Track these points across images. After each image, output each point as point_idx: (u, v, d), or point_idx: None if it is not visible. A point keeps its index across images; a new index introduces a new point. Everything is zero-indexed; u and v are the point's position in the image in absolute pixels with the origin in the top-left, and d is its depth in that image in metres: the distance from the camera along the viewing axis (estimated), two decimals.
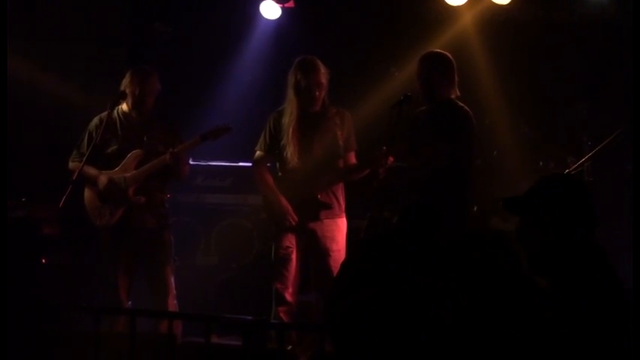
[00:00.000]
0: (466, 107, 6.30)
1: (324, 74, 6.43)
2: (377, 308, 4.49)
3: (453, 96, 6.26)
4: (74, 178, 6.31)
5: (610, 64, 8.80)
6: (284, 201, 6.46)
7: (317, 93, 6.41)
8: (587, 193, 3.39)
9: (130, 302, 6.59)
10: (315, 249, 6.51)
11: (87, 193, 6.60)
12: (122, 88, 6.55)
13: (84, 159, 6.40)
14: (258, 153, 6.64)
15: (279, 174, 6.61)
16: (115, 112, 6.60)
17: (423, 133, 6.24)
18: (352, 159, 6.58)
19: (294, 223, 6.44)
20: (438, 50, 6.37)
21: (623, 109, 8.27)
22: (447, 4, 8.22)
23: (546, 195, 3.35)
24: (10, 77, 8.56)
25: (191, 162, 6.98)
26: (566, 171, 7.05)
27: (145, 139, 6.56)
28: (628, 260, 8.30)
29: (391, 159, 6.14)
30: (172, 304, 6.59)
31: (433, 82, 6.21)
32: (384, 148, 6.09)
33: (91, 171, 6.52)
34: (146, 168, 6.50)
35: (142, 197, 6.51)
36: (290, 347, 6.15)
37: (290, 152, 6.45)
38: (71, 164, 6.63)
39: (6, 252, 4.83)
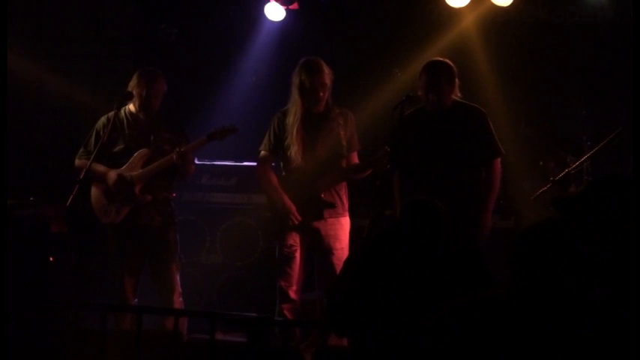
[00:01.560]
0: (477, 105, 6.37)
1: (327, 75, 6.42)
2: (379, 305, 4.48)
3: (455, 98, 6.25)
4: (81, 176, 6.31)
5: (610, 65, 8.78)
6: (288, 200, 6.45)
7: (321, 93, 6.40)
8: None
9: (136, 300, 6.58)
10: (318, 247, 6.51)
11: (94, 191, 6.60)
12: (129, 89, 6.54)
13: (91, 157, 6.39)
14: (262, 153, 6.63)
15: (283, 173, 6.60)
16: (123, 111, 6.60)
17: (443, 143, 6.22)
18: (355, 159, 6.57)
19: (297, 222, 6.43)
20: (441, 59, 6.33)
21: (622, 109, 8.26)
22: (448, 5, 8.20)
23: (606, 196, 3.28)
24: (19, 78, 8.59)
25: (196, 161, 6.95)
26: (566, 170, 7.03)
27: (151, 138, 6.55)
28: None
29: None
30: (178, 302, 6.58)
31: (441, 91, 6.17)
32: (387, 148, 6.08)
33: (100, 168, 6.52)
34: (153, 167, 6.49)
35: (148, 196, 6.50)
36: (294, 344, 6.15)
37: (294, 152, 6.44)
38: (78, 161, 6.62)
39: (6, 252, 4.80)
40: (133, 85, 6.54)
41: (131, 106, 6.61)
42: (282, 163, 6.62)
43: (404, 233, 4.59)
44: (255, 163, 6.87)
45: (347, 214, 6.58)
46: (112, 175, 6.51)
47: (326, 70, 6.43)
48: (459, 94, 6.27)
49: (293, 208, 6.43)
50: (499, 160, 6.33)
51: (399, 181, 6.39)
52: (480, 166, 6.29)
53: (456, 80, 6.25)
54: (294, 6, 8.61)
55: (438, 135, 6.24)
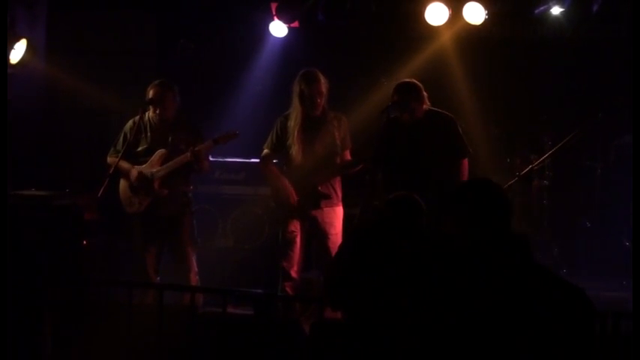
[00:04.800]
0: (446, 112, 6.32)
1: (323, 84, 6.40)
2: (367, 282, 4.48)
3: (425, 107, 6.23)
4: (111, 171, 6.34)
5: (567, 75, 8.79)
6: (287, 183, 6.44)
7: (318, 100, 6.38)
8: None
9: (158, 278, 6.57)
10: (316, 233, 6.50)
11: (121, 184, 6.59)
12: (148, 97, 6.53)
13: (120, 155, 6.40)
14: (265, 151, 6.62)
15: (285, 169, 6.58)
16: (146, 116, 6.58)
17: (418, 144, 6.19)
18: (348, 156, 6.55)
19: (294, 202, 6.41)
20: (408, 80, 6.31)
21: (577, 114, 8.26)
22: (428, 24, 8.18)
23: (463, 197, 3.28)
24: (56, 86, 8.57)
25: (210, 158, 6.94)
26: (530, 166, 7.03)
27: (169, 139, 6.53)
28: (582, 238, 8.32)
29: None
30: (194, 280, 6.57)
31: (411, 108, 6.15)
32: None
33: (125, 165, 6.51)
34: (170, 164, 6.47)
35: (165, 189, 6.49)
36: (294, 316, 6.14)
37: (295, 151, 6.43)
38: (109, 159, 6.62)
39: (6, 252, 4.76)
40: (149, 94, 6.53)
41: (151, 112, 6.60)
42: (284, 161, 6.61)
43: (388, 223, 4.60)
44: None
45: (341, 203, 6.56)
46: (134, 172, 6.50)
47: (322, 79, 6.41)
48: (428, 104, 6.25)
49: (292, 190, 6.43)
50: (466, 159, 6.29)
51: (382, 179, 6.34)
52: (449, 165, 6.24)
53: (424, 94, 6.21)
54: (295, 24, 8.60)
55: (413, 140, 6.20)
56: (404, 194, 4.77)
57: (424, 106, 6.21)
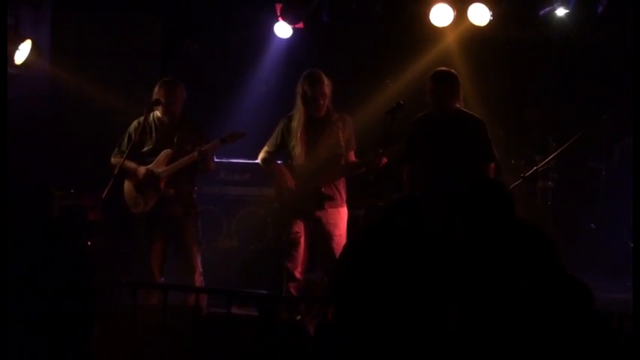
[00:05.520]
0: (478, 116, 6.21)
1: (327, 85, 6.40)
2: (372, 283, 4.47)
3: (458, 105, 6.13)
4: (115, 172, 6.30)
5: (572, 75, 8.78)
6: (284, 169, 6.48)
7: (321, 101, 6.38)
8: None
9: (162, 278, 6.56)
10: (320, 234, 6.49)
11: (126, 185, 6.58)
12: (154, 97, 6.52)
13: (124, 155, 6.38)
14: (266, 149, 6.63)
15: (290, 166, 6.58)
16: (151, 116, 6.58)
17: (445, 142, 6.08)
18: (352, 157, 6.54)
19: (292, 185, 6.42)
20: (446, 69, 6.21)
21: (582, 115, 8.26)
22: (433, 25, 8.17)
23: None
24: (61, 87, 8.58)
25: (215, 159, 6.93)
26: (535, 168, 7.01)
27: (175, 139, 6.53)
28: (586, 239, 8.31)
29: (385, 160, 6.08)
30: (199, 280, 6.56)
31: (444, 96, 6.06)
32: (380, 150, 6.03)
33: (131, 164, 6.50)
34: (176, 164, 6.47)
35: (171, 189, 6.48)
36: (299, 317, 6.13)
37: (298, 152, 6.43)
38: (113, 159, 6.61)
39: (6, 252, 4.75)
40: (155, 93, 6.53)
41: (158, 112, 6.60)
42: (288, 162, 6.61)
43: (391, 224, 4.61)
44: None
45: (345, 205, 6.55)
46: (142, 170, 6.50)
47: (326, 80, 6.40)
48: (462, 103, 6.16)
49: (291, 178, 6.43)
50: (492, 164, 6.17)
51: (409, 172, 6.26)
52: (476, 167, 6.09)
53: (459, 87, 6.10)
54: (300, 25, 8.60)
55: (442, 136, 6.07)
56: (408, 195, 4.78)
57: (457, 103, 6.10)
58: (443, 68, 6.22)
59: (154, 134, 6.56)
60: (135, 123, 6.60)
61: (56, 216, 4.55)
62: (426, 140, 6.12)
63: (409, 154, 6.16)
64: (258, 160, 6.73)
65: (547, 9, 8.16)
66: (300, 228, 6.49)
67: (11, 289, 3.85)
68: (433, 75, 6.12)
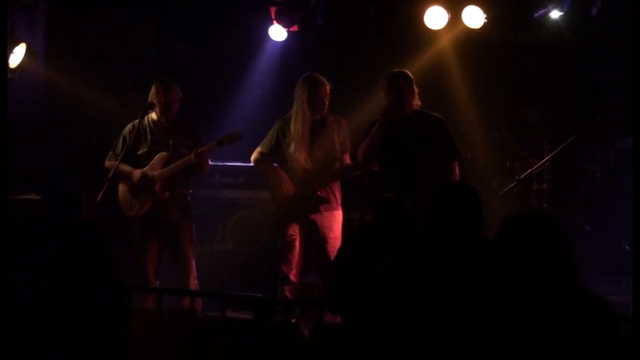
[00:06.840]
0: (436, 114, 6.25)
1: (328, 86, 6.41)
2: (365, 285, 4.47)
3: (416, 106, 6.17)
4: (110, 175, 6.32)
5: (566, 78, 8.78)
6: (282, 173, 6.46)
7: (327, 102, 6.39)
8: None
9: (157, 282, 6.55)
10: (315, 237, 6.49)
11: (121, 188, 6.58)
12: (150, 99, 6.52)
13: (119, 158, 6.38)
14: (259, 150, 6.63)
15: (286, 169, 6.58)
16: (146, 119, 6.58)
17: (407, 143, 6.12)
18: (347, 160, 6.54)
19: (289, 189, 6.40)
20: (401, 70, 6.25)
21: (576, 118, 8.26)
22: (428, 28, 8.16)
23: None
24: (57, 90, 8.56)
25: (210, 162, 6.93)
26: (530, 170, 7.00)
27: (170, 142, 6.52)
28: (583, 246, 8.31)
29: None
30: (194, 284, 6.55)
31: (403, 97, 6.10)
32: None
33: (126, 168, 6.50)
34: (172, 167, 6.47)
35: (166, 192, 6.47)
36: (294, 320, 6.11)
37: (294, 155, 6.43)
38: (107, 163, 6.61)
39: (6, 252, 4.73)
40: (152, 95, 6.53)
41: (153, 115, 6.59)
42: (284, 165, 6.60)
43: (377, 225, 4.63)
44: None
45: (340, 208, 6.55)
46: (137, 173, 6.49)
47: (326, 82, 6.42)
48: (419, 103, 6.21)
49: (287, 179, 6.43)
50: (456, 162, 6.19)
51: (371, 181, 6.30)
52: (440, 168, 6.12)
53: (414, 86, 6.14)
54: (295, 28, 8.59)
55: (402, 140, 6.12)
56: (389, 197, 4.80)
57: (415, 102, 6.15)
58: (397, 69, 6.25)
59: (149, 137, 6.55)
60: (129, 126, 6.60)
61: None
62: (386, 142, 6.12)
63: (370, 156, 6.16)
64: (251, 161, 6.73)
65: (541, 11, 8.16)
66: (295, 231, 6.48)
67: (59, 293, 3.86)
68: (388, 76, 6.14)
